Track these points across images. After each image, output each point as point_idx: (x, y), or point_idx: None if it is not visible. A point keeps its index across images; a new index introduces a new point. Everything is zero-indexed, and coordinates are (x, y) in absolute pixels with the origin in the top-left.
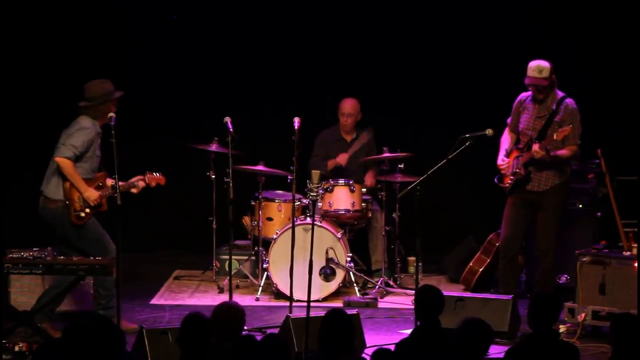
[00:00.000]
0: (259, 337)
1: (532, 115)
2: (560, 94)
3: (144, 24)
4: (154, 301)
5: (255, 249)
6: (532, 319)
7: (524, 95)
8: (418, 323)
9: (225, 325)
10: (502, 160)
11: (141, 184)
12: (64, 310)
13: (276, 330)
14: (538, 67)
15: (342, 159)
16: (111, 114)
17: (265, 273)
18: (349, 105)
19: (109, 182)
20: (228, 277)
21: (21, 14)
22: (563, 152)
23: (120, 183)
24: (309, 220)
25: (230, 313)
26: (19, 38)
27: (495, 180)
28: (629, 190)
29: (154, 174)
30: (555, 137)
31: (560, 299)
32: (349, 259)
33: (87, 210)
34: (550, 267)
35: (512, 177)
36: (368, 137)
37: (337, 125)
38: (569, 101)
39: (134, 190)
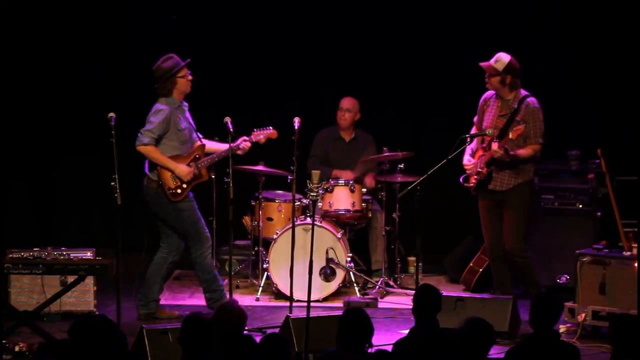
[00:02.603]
0: (258, 338)
1: (495, 114)
2: (523, 92)
3: (144, 24)
4: None
5: (256, 249)
6: (534, 319)
7: (489, 93)
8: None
9: (225, 326)
10: (467, 160)
11: (245, 145)
12: (65, 311)
13: (276, 331)
14: (497, 57)
15: (347, 176)
16: (111, 114)
17: (266, 273)
18: (347, 101)
19: (213, 146)
20: (228, 277)
21: (20, 15)
22: (523, 151)
23: (221, 148)
24: (309, 220)
25: (231, 313)
26: (18, 39)
27: (461, 180)
28: (629, 190)
29: (262, 129)
30: (510, 136)
31: (561, 299)
32: (349, 259)
33: (184, 185)
34: (525, 267)
35: (475, 177)
36: (370, 146)
37: (336, 126)
38: (530, 100)
39: (239, 152)
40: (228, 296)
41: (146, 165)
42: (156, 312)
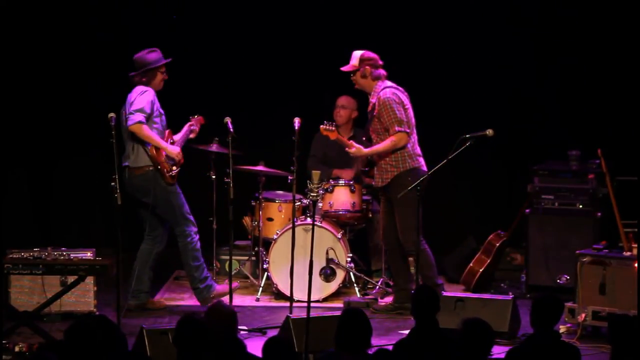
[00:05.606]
0: (257, 339)
1: (369, 112)
2: (385, 84)
3: (144, 24)
4: None
5: (256, 249)
6: (534, 319)
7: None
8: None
9: (217, 327)
10: None
11: (195, 127)
12: (65, 311)
13: (276, 331)
14: (352, 56)
15: (347, 174)
16: (111, 115)
17: (266, 273)
18: (343, 98)
19: (177, 136)
20: (228, 278)
21: (20, 14)
22: (379, 145)
23: (177, 137)
24: (309, 220)
25: (222, 314)
26: (17, 37)
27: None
28: (629, 191)
29: (195, 116)
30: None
31: (561, 300)
32: (349, 259)
33: (174, 167)
34: (421, 262)
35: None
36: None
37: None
38: (382, 93)
39: (192, 136)
40: (227, 297)
41: (130, 156)
42: (146, 304)
